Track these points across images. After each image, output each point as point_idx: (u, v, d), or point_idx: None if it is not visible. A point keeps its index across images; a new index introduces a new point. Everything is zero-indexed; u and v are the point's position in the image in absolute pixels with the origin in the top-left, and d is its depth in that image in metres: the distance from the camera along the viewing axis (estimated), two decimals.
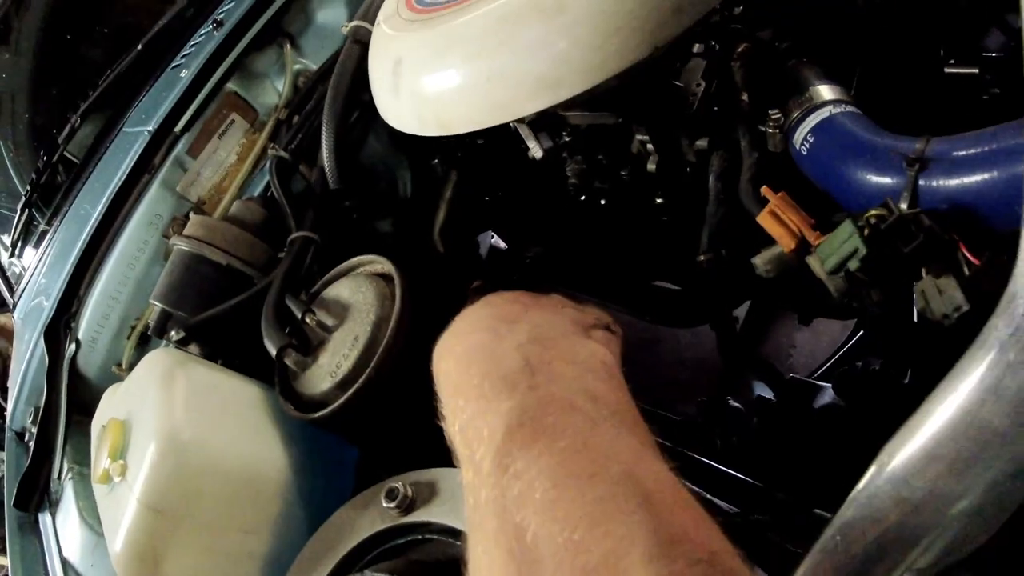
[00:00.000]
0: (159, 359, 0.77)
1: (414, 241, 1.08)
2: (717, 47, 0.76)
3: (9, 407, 1.08)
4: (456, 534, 0.56)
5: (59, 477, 0.90)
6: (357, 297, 0.73)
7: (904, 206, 0.57)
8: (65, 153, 1.34)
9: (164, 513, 0.63)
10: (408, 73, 0.75)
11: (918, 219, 0.56)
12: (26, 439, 1.04)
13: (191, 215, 0.95)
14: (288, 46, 1.05)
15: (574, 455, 0.33)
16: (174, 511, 0.64)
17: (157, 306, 0.89)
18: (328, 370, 0.70)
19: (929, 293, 0.57)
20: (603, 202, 0.93)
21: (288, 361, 0.72)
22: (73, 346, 0.97)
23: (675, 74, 0.78)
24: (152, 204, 1.00)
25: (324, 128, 0.92)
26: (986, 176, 0.52)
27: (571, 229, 1.07)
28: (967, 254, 0.54)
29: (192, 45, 1.12)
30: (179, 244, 0.90)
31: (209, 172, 1.01)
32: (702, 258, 0.79)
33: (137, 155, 0.99)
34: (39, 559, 0.86)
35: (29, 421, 1.04)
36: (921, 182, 0.56)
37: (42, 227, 1.31)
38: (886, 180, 0.60)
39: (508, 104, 0.72)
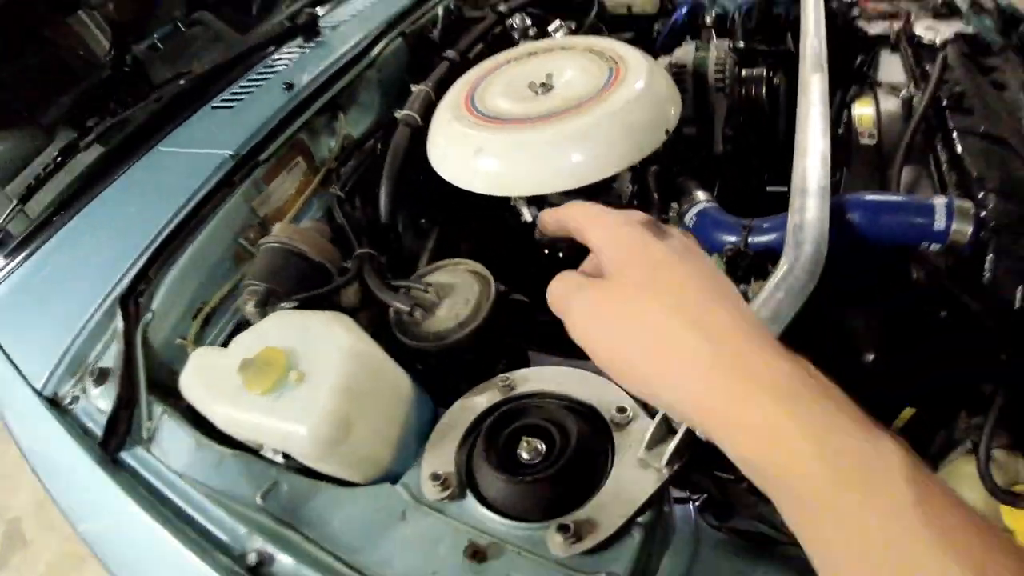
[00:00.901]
0: (296, 311, 1.06)
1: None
2: (639, 166, 1.37)
3: (41, 379, 1.17)
4: (550, 396, 0.96)
5: (149, 418, 1.06)
6: (456, 279, 1.12)
7: (741, 247, 1.21)
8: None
9: (354, 392, 0.91)
10: (487, 157, 1.23)
11: (746, 252, 1.20)
12: (67, 403, 1.14)
13: (275, 225, 1.25)
14: (341, 115, 1.44)
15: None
16: (359, 392, 0.92)
17: (260, 286, 1.14)
18: (449, 316, 1.06)
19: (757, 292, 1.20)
20: (561, 255, 1.45)
21: (416, 315, 1.07)
22: (149, 314, 1.15)
23: (614, 180, 1.38)
24: (231, 212, 1.26)
25: (384, 182, 1.34)
26: (774, 235, 1.18)
27: (533, 275, 1.55)
28: (772, 268, 1.17)
29: (243, 93, 1.46)
30: (271, 243, 1.19)
31: (276, 197, 1.32)
32: None
33: (223, 173, 1.27)
34: (135, 485, 0.97)
35: (69, 387, 1.15)
36: (750, 239, 1.21)
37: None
38: (732, 238, 1.24)
39: (544, 183, 1.22)
